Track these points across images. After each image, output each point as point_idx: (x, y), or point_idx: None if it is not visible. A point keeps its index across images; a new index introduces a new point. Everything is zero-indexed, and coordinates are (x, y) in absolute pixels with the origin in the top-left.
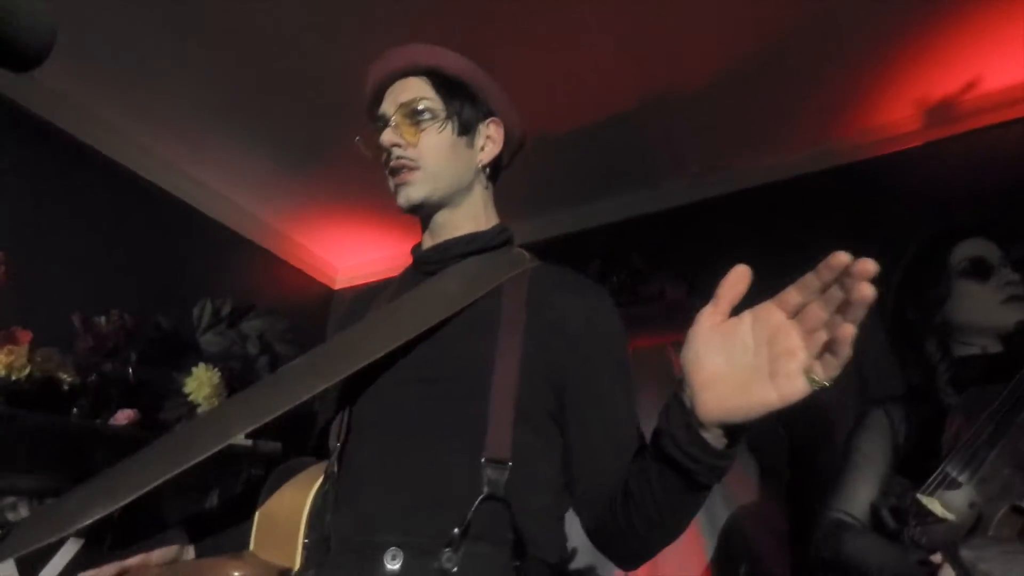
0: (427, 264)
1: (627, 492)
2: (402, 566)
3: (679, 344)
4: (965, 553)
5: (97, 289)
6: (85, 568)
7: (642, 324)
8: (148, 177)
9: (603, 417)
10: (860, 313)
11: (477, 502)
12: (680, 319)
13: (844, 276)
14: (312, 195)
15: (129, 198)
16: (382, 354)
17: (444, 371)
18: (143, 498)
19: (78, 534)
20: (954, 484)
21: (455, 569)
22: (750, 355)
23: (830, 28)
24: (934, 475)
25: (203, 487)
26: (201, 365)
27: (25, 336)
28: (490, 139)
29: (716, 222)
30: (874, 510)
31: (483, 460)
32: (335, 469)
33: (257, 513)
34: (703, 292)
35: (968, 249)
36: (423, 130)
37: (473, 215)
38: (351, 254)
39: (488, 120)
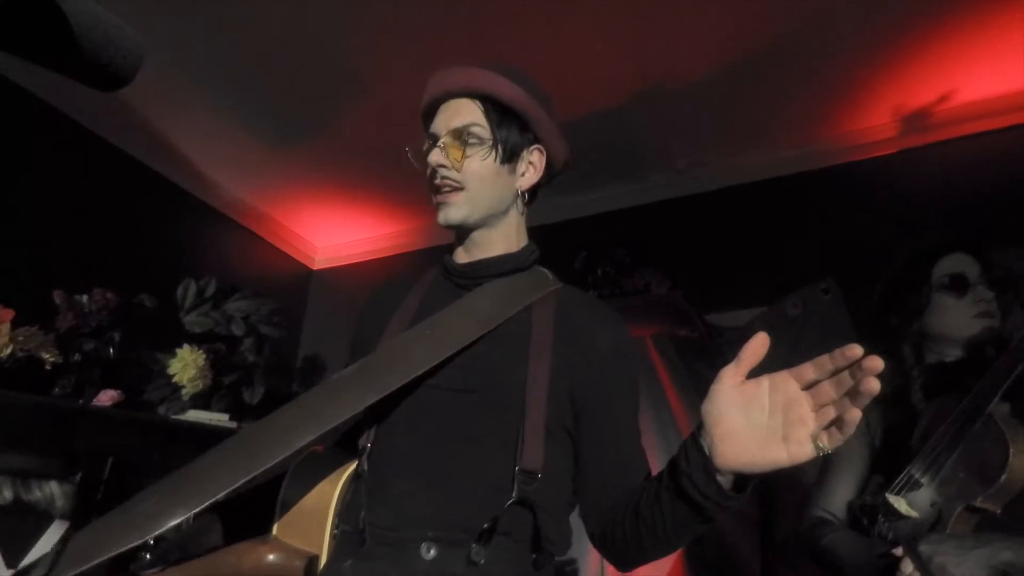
0: (461, 278)
1: (638, 513)
2: (436, 557)
3: (658, 337)
4: (923, 547)
5: (78, 267)
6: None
7: (624, 317)
8: (132, 153)
9: (616, 441)
10: (866, 401)
11: (507, 505)
12: (662, 313)
13: (855, 367)
14: (291, 174)
15: (111, 175)
16: (427, 368)
17: (478, 383)
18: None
19: (63, 517)
20: (917, 485)
21: (482, 561)
22: (766, 417)
23: (817, 33)
24: (900, 476)
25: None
26: (186, 346)
27: (7, 314)
28: (532, 166)
29: (700, 218)
30: (850, 508)
31: (517, 470)
32: (365, 467)
33: (282, 499)
34: (685, 288)
35: (950, 265)
36: (469, 155)
37: (506, 236)
38: (331, 234)
39: (532, 147)
